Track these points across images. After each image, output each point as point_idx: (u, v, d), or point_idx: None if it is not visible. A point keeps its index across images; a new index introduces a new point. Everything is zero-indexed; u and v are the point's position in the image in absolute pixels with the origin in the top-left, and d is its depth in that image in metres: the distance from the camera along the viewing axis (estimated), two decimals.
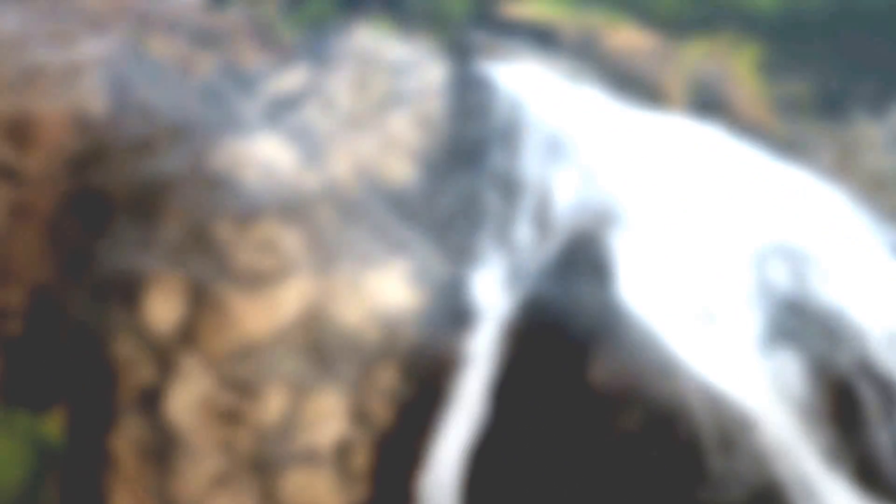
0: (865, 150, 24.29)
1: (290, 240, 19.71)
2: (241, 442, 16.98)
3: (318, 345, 18.29)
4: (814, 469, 15.37)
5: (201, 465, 16.71)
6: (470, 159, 22.38)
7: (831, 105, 25.51)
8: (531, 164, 21.52)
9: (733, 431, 15.08)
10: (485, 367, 16.93)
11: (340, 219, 20.97)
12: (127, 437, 16.79)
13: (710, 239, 18.83)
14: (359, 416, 17.20)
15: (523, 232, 20.33)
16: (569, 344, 16.39)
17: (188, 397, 17.37)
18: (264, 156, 21.58)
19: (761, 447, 15.06)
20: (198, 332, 18.15)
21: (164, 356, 17.67)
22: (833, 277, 18.09)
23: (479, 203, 21.65)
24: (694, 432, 14.95)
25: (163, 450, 16.85)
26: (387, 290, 19.30)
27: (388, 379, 17.74)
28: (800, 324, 17.53)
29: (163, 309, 18.22)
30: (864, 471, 15.93)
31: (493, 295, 19.20)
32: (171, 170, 20.85)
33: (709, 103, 25.36)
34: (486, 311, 18.44)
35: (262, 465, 16.52)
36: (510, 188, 21.63)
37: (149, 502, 16.40)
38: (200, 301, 18.48)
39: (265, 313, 18.69)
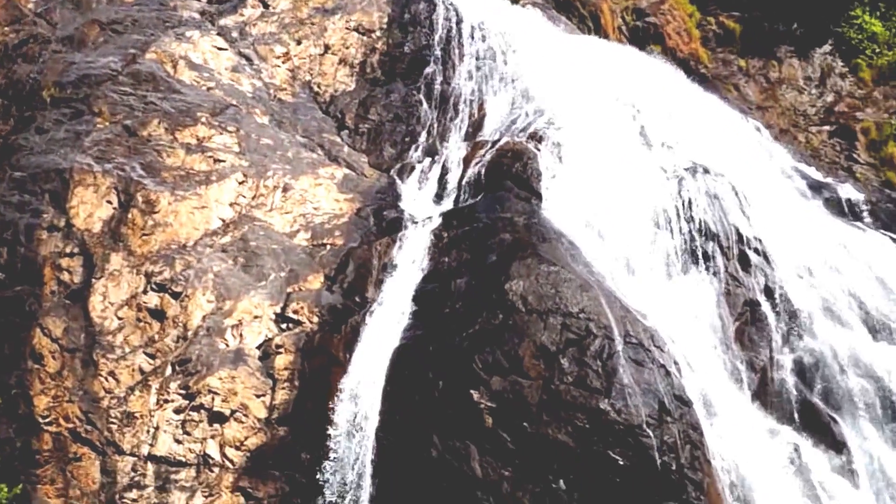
0: (788, 88, 24.91)
1: (222, 143, 19.82)
2: (167, 342, 17.10)
3: (246, 248, 18.36)
4: (717, 385, 15.99)
5: (125, 365, 16.79)
6: (407, 71, 22.52)
7: (760, 42, 26.01)
8: (467, 79, 21.77)
9: (645, 346, 15.40)
10: (411, 275, 17.24)
11: (274, 124, 21.08)
12: (50, 335, 16.79)
13: (633, 161, 19.28)
14: (285, 319, 17.42)
15: (455, 144, 20.62)
16: (492, 255, 16.61)
17: (114, 297, 17.43)
18: (200, 57, 21.58)
19: (671, 361, 15.47)
20: (126, 231, 18.16)
21: (91, 255, 17.71)
22: (747, 207, 18.65)
23: (414, 114, 21.87)
24: (608, 346, 15.17)
25: (87, 348, 16.91)
26: (317, 196, 19.52)
27: (315, 284, 18.01)
28: (713, 248, 18.19)
29: (90, 207, 18.24)
30: (764, 390, 16.63)
31: (421, 204, 19.56)
32: (103, 67, 20.79)
33: (643, 33, 25.78)
34: (414, 221, 18.80)
35: (187, 366, 16.67)
36: (445, 101, 21.86)
37: (71, 401, 16.38)
38: (129, 201, 18.48)
39: (195, 215, 18.72)
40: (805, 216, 19.04)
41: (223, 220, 18.75)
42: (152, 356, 16.93)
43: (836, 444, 16.04)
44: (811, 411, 16.33)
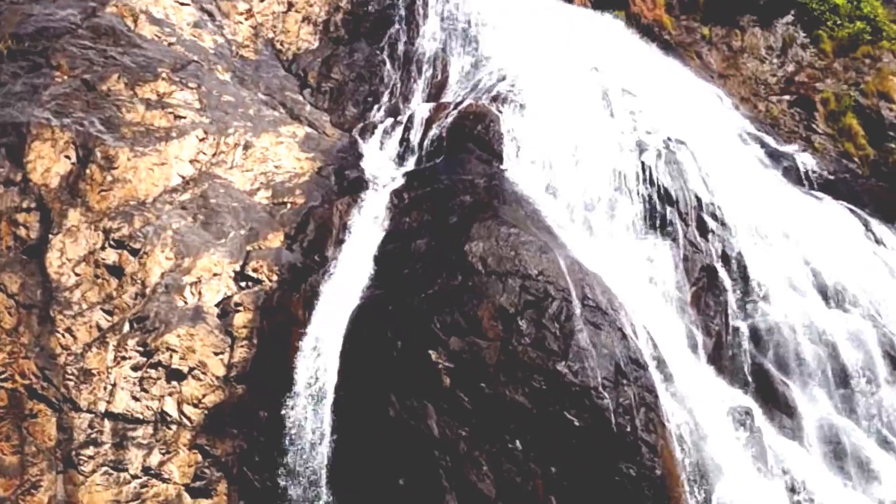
0: (750, 57, 25.05)
1: (182, 99, 19.71)
2: (125, 299, 17.05)
3: (206, 206, 18.33)
4: (673, 347, 16.17)
5: (82, 321, 16.76)
6: (371, 30, 22.44)
7: (723, 10, 26.11)
8: (430, 40, 21.75)
9: (603, 309, 15.55)
10: (371, 235, 17.31)
11: (236, 81, 20.98)
12: (6, 291, 16.63)
13: (595, 126, 19.37)
14: (244, 277, 17.42)
15: (418, 105, 20.60)
16: (453, 217, 16.75)
17: (71, 253, 17.35)
18: (161, 11, 21.40)
19: (627, 325, 15.66)
20: (84, 187, 18.06)
21: (48, 210, 17.59)
22: (707, 174, 18.81)
23: (377, 74, 21.83)
24: (566, 308, 15.31)
25: (44, 305, 16.81)
26: (278, 154, 19.48)
27: (275, 242, 18.01)
28: (672, 213, 18.34)
29: (48, 162, 18.07)
30: (718, 354, 16.88)
31: (383, 165, 19.58)
32: (62, 20, 20.55)
33: None
34: (375, 181, 18.86)
35: (145, 323, 16.65)
36: (408, 62, 21.83)
37: (27, 357, 16.29)
38: (88, 156, 18.37)
39: (154, 171, 18.60)
40: (763, 184, 19.23)
41: (183, 177, 18.68)
42: (110, 313, 16.88)
43: (787, 409, 16.32)
44: (764, 376, 16.60)
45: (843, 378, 16.73)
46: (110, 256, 17.34)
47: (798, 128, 22.35)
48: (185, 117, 19.30)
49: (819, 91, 23.26)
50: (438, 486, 14.71)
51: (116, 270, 17.26)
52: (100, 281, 17.15)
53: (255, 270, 17.42)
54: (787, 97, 23.36)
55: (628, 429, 14.90)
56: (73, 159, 18.16)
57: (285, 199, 18.56)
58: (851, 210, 19.31)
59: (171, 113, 19.25)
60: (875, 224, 19.17)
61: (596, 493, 14.55)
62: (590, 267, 16.29)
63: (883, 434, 16.41)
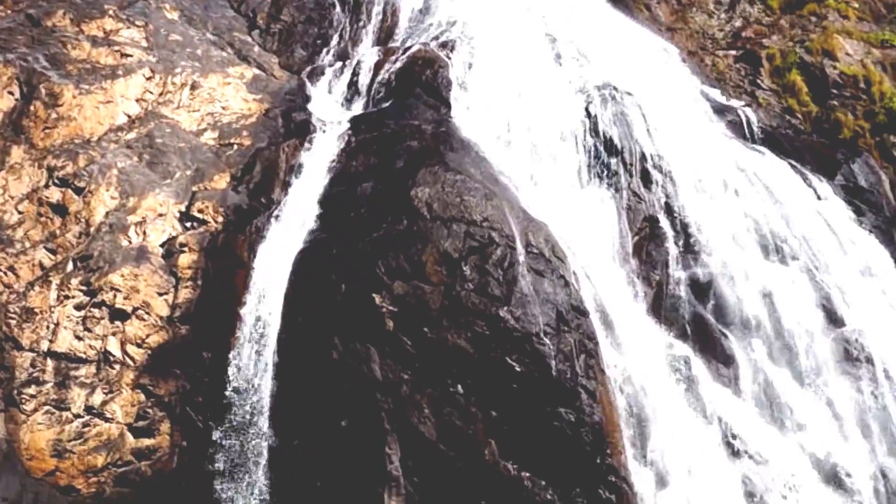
0: (698, 11, 25.08)
1: (129, 37, 19.42)
2: (68, 238, 16.94)
3: (152, 145, 18.14)
4: (615, 296, 16.28)
5: (25, 260, 16.62)
6: None
7: None
8: None
9: (546, 256, 15.60)
10: (317, 178, 17.22)
11: (184, 20, 20.69)
12: None
13: (543, 75, 19.32)
14: (189, 218, 17.32)
15: (366, 50, 20.46)
16: (399, 162, 16.70)
17: (14, 190, 17.16)
18: None
19: (570, 273, 15.71)
20: (28, 124, 17.83)
21: None
22: (652, 126, 18.87)
23: (326, 17, 21.62)
24: (510, 255, 15.38)
25: None
26: (226, 95, 19.27)
27: (220, 184, 17.88)
28: (617, 163, 18.41)
29: None
30: (659, 303, 17.01)
31: (331, 108, 19.43)
32: None
33: None
34: (323, 124, 18.66)
35: (89, 262, 16.54)
36: (358, 6, 21.63)
37: None
38: (32, 92, 18.11)
39: (100, 110, 18.38)
40: (708, 138, 19.31)
41: (129, 116, 18.47)
42: (53, 252, 16.74)
43: (724, 358, 16.52)
44: (703, 326, 16.77)
45: (779, 330, 16.95)
46: (54, 195, 17.16)
47: (743, 83, 22.45)
48: (131, 55, 19.06)
49: (765, 47, 23.34)
50: (380, 428, 14.78)
51: (60, 209, 17.09)
52: (43, 219, 16.98)
53: (200, 211, 17.30)
54: (733, 52, 23.43)
55: (568, 375, 15.03)
56: (17, 95, 17.90)
57: (232, 141, 18.40)
58: (793, 165, 19.44)
59: (117, 51, 18.99)
60: (815, 179, 19.33)
61: (535, 438, 14.68)
62: (534, 214, 16.33)
63: (817, 385, 16.70)
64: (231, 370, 15.50)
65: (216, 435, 15.21)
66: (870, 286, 18.20)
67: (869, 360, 17.12)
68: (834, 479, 15.63)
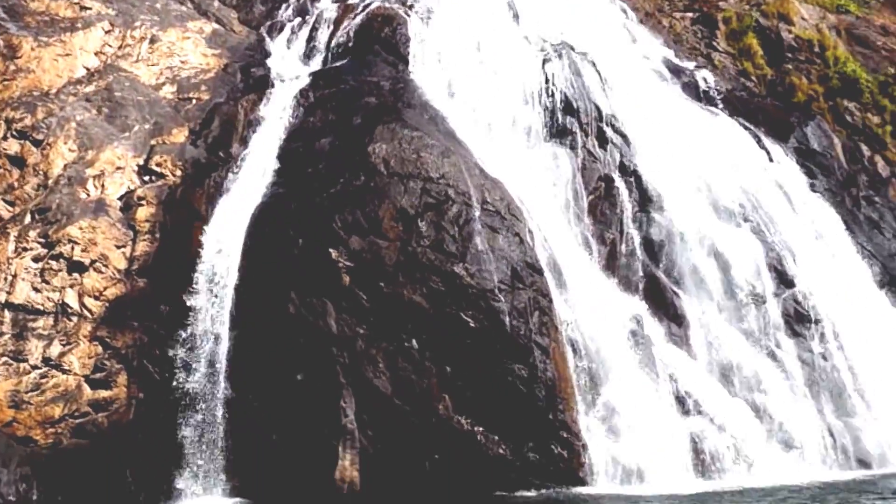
0: None
1: None
2: (26, 190, 16.74)
3: (111, 98, 17.92)
4: (569, 254, 16.29)
5: None
6: None
7: None
8: None
9: (501, 214, 15.61)
10: (276, 133, 17.10)
11: None
12: None
13: (501, 33, 19.18)
14: (147, 171, 17.15)
15: (325, 6, 20.24)
16: (357, 118, 16.62)
17: None
18: None
19: (525, 230, 15.72)
20: None
21: None
22: (608, 86, 18.82)
23: None
24: (466, 212, 15.38)
25: None
26: (185, 49, 19.05)
27: (179, 138, 17.71)
28: (573, 123, 18.37)
29: None
30: (612, 262, 17.04)
31: (290, 64, 19.25)
32: None
33: None
34: (281, 79, 18.48)
35: (47, 215, 16.37)
36: None
37: None
38: None
39: (58, 62, 18.14)
40: (663, 98, 19.33)
41: (88, 69, 18.24)
42: (11, 204, 16.56)
43: (676, 317, 16.62)
44: (656, 285, 16.85)
45: (731, 291, 17.06)
46: (12, 147, 16.94)
47: (700, 45, 22.41)
48: (90, 8, 18.79)
49: (722, 10, 23.29)
50: (335, 382, 14.79)
51: (18, 161, 16.88)
52: (1, 171, 16.78)
53: (158, 165, 17.14)
54: (690, 14, 23.37)
55: (522, 331, 15.09)
56: None
57: (191, 95, 18.21)
58: (747, 127, 19.50)
59: (76, 3, 18.72)
60: (768, 142, 19.41)
61: (489, 393, 14.73)
62: (490, 172, 16.31)
63: (767, 345, 16.83)
64: (188, 323, 15.46)
65: (173, 387, 15.20)
66: (820, 248, 18.36)
67: (818, 321, 17.27)
68: (782, 438, 15.78)
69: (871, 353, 17.15)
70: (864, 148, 21.39)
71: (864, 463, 15.98)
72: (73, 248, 16.14)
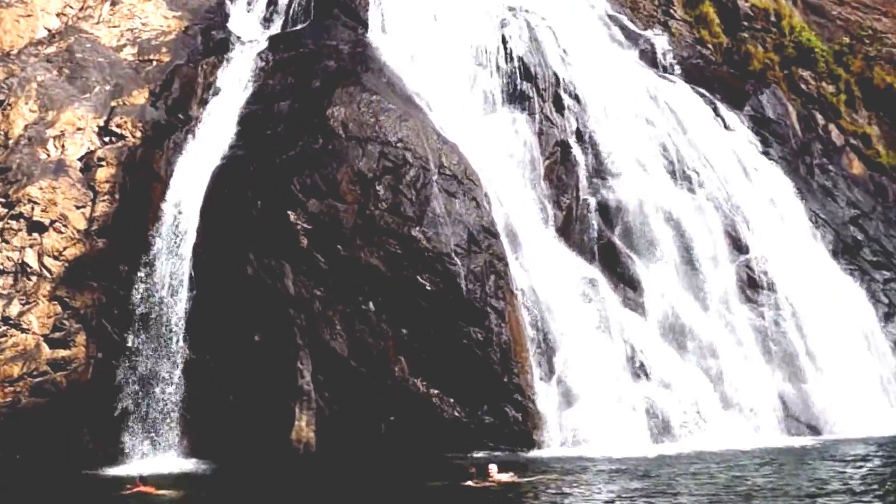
0: None
1: None
2: None
3: (72, 60, 17.63)
4: (525, 218, 16.29)
5: None
6: None
7: None
8: None
9: (459, 178, 15.58)
10: (235, 96, 16.92)
11: None
12: None
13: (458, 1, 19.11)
14: (108, 132, 16.91)
15: None
16: (316, 81, 16.49)
17: None
18: None
19: (482, 195, 15.69)
20: None
21: None
22: (565, 52, 18.69)
23: None
24: (423, 176, 15.36)
25: None
26: (146, 11, 18.74)
27: (139, 99, 17.44)
28: (530, 88, 18.26)
29: None
30: (568, 227, 16.96)
31: (249, 27, 19.01)
32: None
33: None
34: (241, 42, 18.28)
35: (7, 175, 16.21)
36: None
37: None
38: None
39: (20, 23, 17.85)
40: (620, 65, 19.22)
41: (49, 30, 17.99)
42: None
43: (631, 282, 16.60)
44: (611, 250, 16.82)
45: (686, 256, 17.04)
46: None
47: (657, 12, 22.23)
48: None
49: None
50: (293, 343, 14.76)
51: None
52: None
53: (119, 126, 16.91)
54: None
55: (478, 295, 15.08)
56: None
57: (151, 57, 17.95)
58: (702, 95, 19.43)
59: None
60: (724, 109, 19.35)
61: (445, 356, 14.75)
62: (448, 136, 16.25)
63: (721, 311, 16.85)
64: (147, 283, 15.39)
65: (130, 346, 15.13)
66: (774, 215, 18.36)
67: (771, 287, 17.34)
68: (733, 402, 15.82)
69: (823, 320, 17.23)
70: (819, 117, 21.44)
71: (814, 428, 16.12)
72: (32, 209, 15.97)
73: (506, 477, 11.83)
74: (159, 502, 11.61)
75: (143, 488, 11.84)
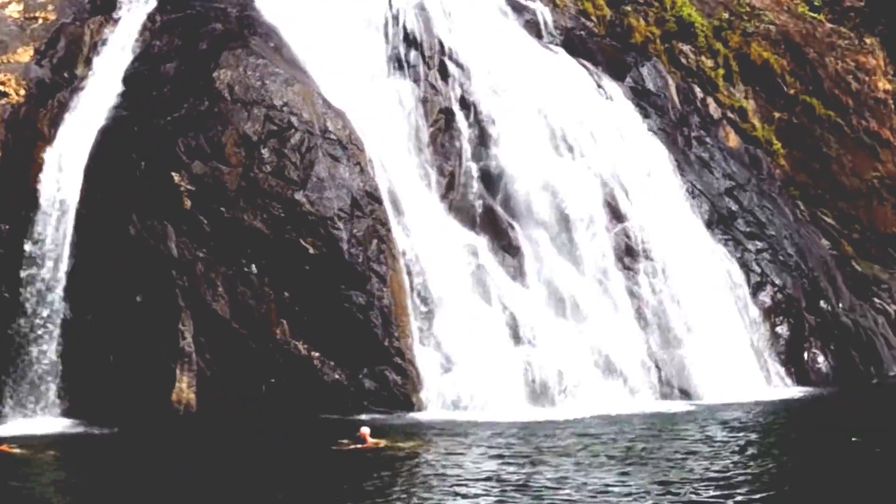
0: None
1: None
2: None
3: None
4: (409, 185, 16.21)
5: None
6: None
7: None
8: None
9: (343, 143, 15.42)
10: (121, 56, 16.43)
11: None
12: None
13: None
14: None
15: None
16: (203, 44, 16.11)
17: None
18: None
19: (366, 160, 15.57)
20: None
21: None
22: (451, 20, 18.42)
23: None
24: (307, 140, 15.15)
25: None
26: None
27: (24, 57, 16.71)
28: (416, 56, 17.93)
29: None
30: (451, 194, 16.84)
31: None
32: None
33: None
34: (129, 2, 17.52)
35: None
36: None
37: None
38: None
39: None
40: (504, 35, 19.07)
41: None
42: None
43: (511, 248, 16.60)
44: (492, 216, 16.79)
45: (565, 224, 17.05)
46: None
47: None
48: None
49: None
50: (174, 304, 14.42)
51: None
52: None
53: (2, 84, 16.21)
54: None
55: (360, 259, 14.96)
56: None
57: (37, 14, 17.24)
58: (585, 66, 19.41)
59: None
60: (606, 80, 19.34)
61: (327, 319, 14.63)
62: (334, 102, 15.98)
63: (598, 278, 16.95)
64: (28, 243, 14.84)
65: (12, 306, 14.57)
66: (651, 185, 18.48)
67: (648, 256, 17.47)
68: (610, 368, 15.93)
69: (698, 288, 17.39)
70: (698, 90, 21.64)
71: (686, 393, 16.29)
72: None
73: (381, 442, 11.79)
74: (15, 461, 11.29)
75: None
